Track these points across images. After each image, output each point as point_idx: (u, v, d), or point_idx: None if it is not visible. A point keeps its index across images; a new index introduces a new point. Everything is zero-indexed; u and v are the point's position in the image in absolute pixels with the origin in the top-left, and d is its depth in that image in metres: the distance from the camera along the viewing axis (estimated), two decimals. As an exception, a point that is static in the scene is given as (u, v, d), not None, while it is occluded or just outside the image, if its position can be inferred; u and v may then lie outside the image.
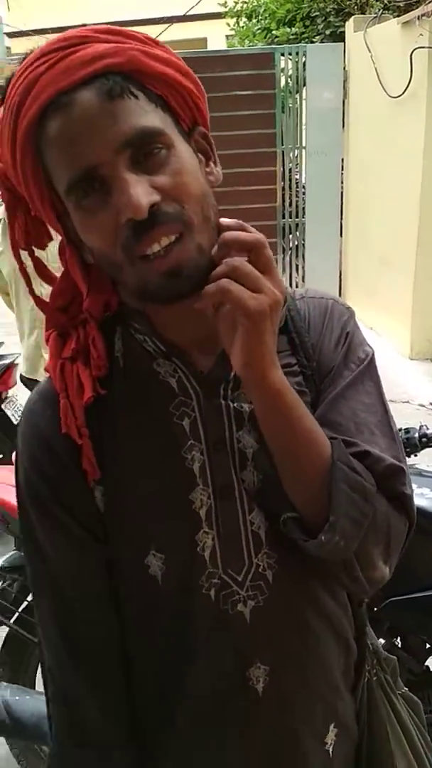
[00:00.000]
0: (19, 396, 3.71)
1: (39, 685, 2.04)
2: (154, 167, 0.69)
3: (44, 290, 0.82)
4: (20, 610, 1.96)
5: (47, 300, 0.83)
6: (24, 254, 0.81)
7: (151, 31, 0.88)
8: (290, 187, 6.46)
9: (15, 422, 3.52)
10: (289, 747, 0.85)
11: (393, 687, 0.96)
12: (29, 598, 1.98)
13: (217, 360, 0.79)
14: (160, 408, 0.80)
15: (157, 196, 0.68)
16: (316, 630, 0.86)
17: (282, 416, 0.74)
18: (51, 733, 0.86)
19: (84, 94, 0.67)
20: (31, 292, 0.84)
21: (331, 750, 0.87)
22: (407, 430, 1.74)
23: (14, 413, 3.69)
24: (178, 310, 0.74)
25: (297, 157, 6.46)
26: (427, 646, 1.75)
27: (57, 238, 0.80)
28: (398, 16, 5.26)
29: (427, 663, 1.77)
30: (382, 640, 1.71)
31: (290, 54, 6.18)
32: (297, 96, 6.26)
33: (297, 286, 6.18)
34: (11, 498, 1.98)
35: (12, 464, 2.09)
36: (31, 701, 1.82)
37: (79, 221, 0.71)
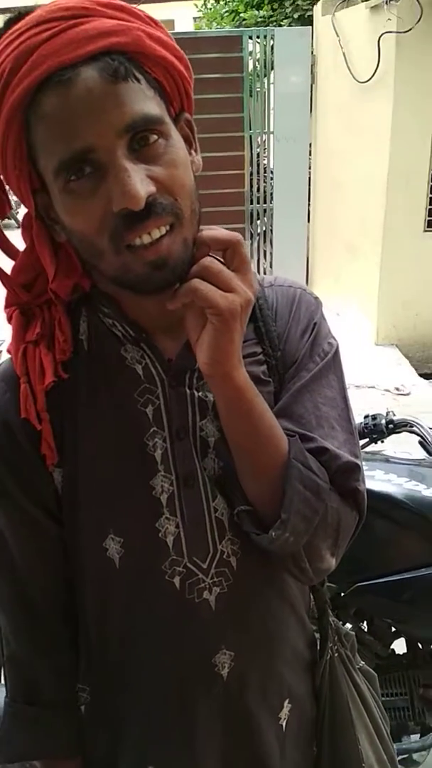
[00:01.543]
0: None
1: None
2: (150, 156, 0.67)
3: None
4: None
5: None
6: None
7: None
8: (258, 173, 6.43)
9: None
10: (245, 723, 0.86)
11: (353, 662, 0.99)
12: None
13: (183, 348, 0.78)
14: (125, 394, 0.79)
15: (153, 187, 0.66)
16: (278, 613, 0.88)
17: (242, 413, 0.74)
18: (5, 690, 0.89)
19: (88, 72, 0.63)
20: None
21: (284, 725, 0.90)
22: (374, 417, 1.75)
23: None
24: (146, 297, 0.73)
25: (265, 142, 6.44)
26: (393, 629, 1.77)
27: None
28: (366, 0, 5.24)
29: (392, 646, 1.79)
30: (349, 625, 1.73)
31: (258, 37, 6.12)
32: (265, 80, 6.22)
33: (264, 272, 6.20)
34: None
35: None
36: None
37: (65, 203, 0.68)
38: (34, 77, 0.63)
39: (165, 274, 0.69)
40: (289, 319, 0.85)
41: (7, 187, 0.76)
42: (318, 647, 0.97)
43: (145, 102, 0.67)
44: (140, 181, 0.65)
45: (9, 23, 0.67)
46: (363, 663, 1.03)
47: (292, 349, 0.84)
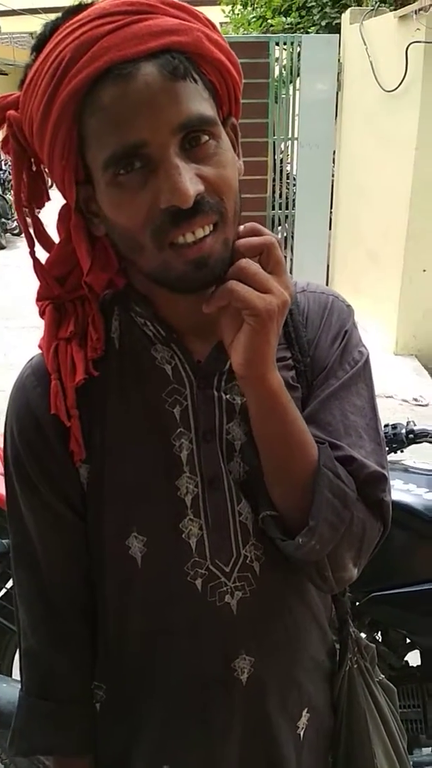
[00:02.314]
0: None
1: (16, 673, 2.04)
2: (200, 156, 0.67)
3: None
4: (-1, 596, 1.95)
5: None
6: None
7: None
8: (281, 179, 6.43)
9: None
10: (263, 731, 0.86)
11: (372, 674, 0.98)
12: (8, 585, 1.96)
13: (213, 350, 0.78)
14: (153, 393, 0.79)
15: (202, 186, 0.66)
16: (300, 621, 0.87)
17: (275, 417, 0.74)
18: (21, 684, 0.90)
19: (148, 67, 0.64)
20: (32, 254, 0.81)
21: (302, 734, 0.89)
22: (394, 426, 1.74)
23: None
24: (182, 297, 0.73)
25: (288, 148, 6.44)
26: (407, 641, 1.76)
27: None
28: (395, 9, 5.23)
29: (406, 658, 1.78)
30: (363, 634, 1.72)
31: (285, 44, 6.13)
32: (290, 86, 6.22)
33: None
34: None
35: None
36: (7, 689, 1.81)
37: (111, 196, 0.68)
38: (94, 68, 0.64)
39: (205, 273, 0.69)
40: (320, 326, 0.85)
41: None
42: (338, 658, 0.96)
43: (201, 102, 0.67)
44: (190, 180, 0.65)
45: (68, 14, 0.68)
46: (383, 676, 1.01)
47: (321, 356, 0.84)
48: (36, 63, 0.69)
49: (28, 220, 0.79)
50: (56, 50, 0.66)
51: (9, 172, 13.27)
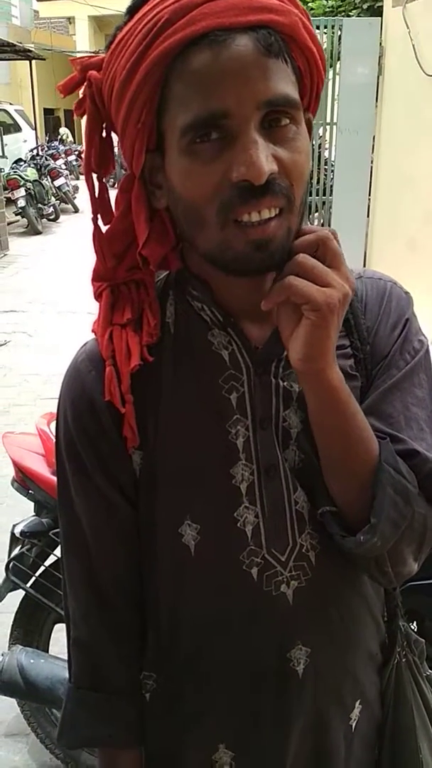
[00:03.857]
0: None
1: (53, 650, 2.08)
2: (279, 138, 0.67)
3: None
4: (37, 574, 1.98)
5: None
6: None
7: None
8: (318, 164, 6.36)
9: None
10: (316, 721, 0.85)
11: (420, 669, 0.96)
12: (47, 563, 1.99)
13: (271, 336, 0.77)
14: (209, 379, 0.79)
15: (276, 166, 0.66)
16: (355, 612, 0.86)
17: (336, 412, 0.73)
18: (69, 674, 0.89)
19: (243, 39, 0.64)
20: (95, 221, 0.80)
21: (354, 725, 0.88)
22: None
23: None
24: (239, 281, 0.72)
25: (327, 133, 6.36)
26: (444, 631, 1.74)
27: None
28: (440, -9, 5.11)
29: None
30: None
31: (326, 27, 6.04)
32: (330, 71, 6.14)
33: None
34: (33, 464, 2.00)
35: (36, 433, 2.10)
36: (45, 665, 1.85)
37: (183, 164, 0.68)
38: (190, 31, 0.64)
39: (264, 256, 0.68)
40: (379, 313, 0.83)
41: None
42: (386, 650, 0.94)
43: (288, 84, 0.67)
44: (266, 157, 0.64)
45: None
46: (431, 672, 0.99)
47: (381, 344, 0.82)
48: (129, 24, 0.69)
49: (96, 185, 0.79)
50: (154, 11, 0.66)
51: (46, 158, 13.42)
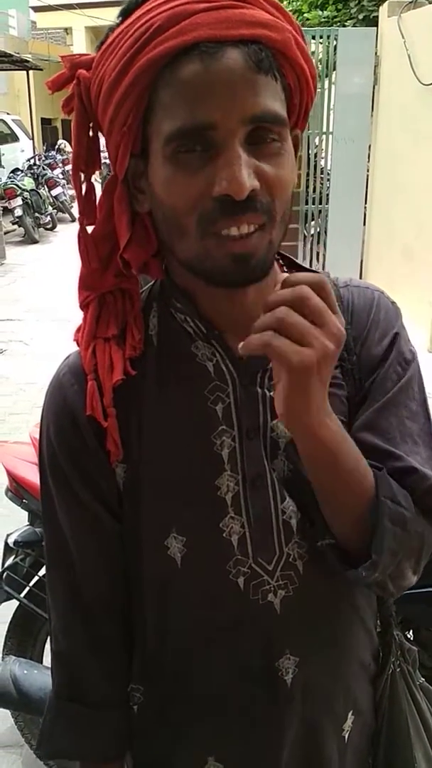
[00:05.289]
0: None
1: (47, 660, 2.06)
2: (264, 154, 0.66)
3: None
4: (31, 584, 1.97)
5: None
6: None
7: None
8: (314, 173, 6.39)
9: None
10: (309, 734, 0.84)
11: (414, 678, 0.96)
12: (41, 573, 1.98)
13: None
14: (194, 391, 0.78)
15: (257, 182, 0.65)
16: (345, 621, 0.85)
17: (324, 463, 0.71)
18: (52, 685, 0.88)
19: (234, 53, 0.64)
20: (81, 221, 0.79)
21: (347, 736, 0.87)
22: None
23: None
24: (221, 292, 0.72)
25: (322, 142, 6.39)
26: (440, 640, 1.73)
27: None
28: (434, 1, 5.15)
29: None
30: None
31: (321, 37, 6.08)
32: (326, 80, 6.17)
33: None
34: (26, 474, 1.99)
35: (30, 442, 2.09)
36: (38, 676, 1.83)
37: (166, 173, 0.68)
38: (181, 40, 0.64)
39: (244, 269, 0.68)
40: (367, 323, 0.82)
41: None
42: (380, 660, 0.94)
43: (277, 101, 0.67)
44: (248, 173, 0.64)
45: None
46: (423, 680, 0.98)
47: (369, 355, 0.81)
48: (121, 26, 0.69)
49: (83, 186, 0.78)
50: (147, 16, 0.66)
51: (44, 167, 13.45)
